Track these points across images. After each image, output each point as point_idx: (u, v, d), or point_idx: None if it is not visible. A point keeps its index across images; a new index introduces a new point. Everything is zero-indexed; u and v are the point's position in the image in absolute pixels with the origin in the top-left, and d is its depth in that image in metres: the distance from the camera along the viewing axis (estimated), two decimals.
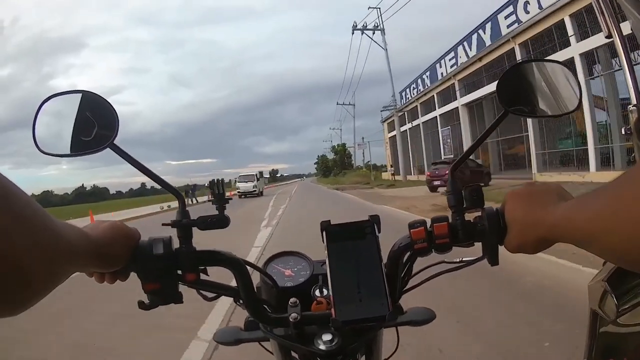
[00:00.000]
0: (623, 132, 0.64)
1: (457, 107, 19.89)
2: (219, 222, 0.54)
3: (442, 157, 20.61)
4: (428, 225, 0.52)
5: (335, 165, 65.35)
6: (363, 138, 49.88)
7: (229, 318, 2.86)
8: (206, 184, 0.55)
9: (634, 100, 0.61)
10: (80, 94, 0.52)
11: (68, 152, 0.51)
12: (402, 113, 27.14)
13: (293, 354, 0.60)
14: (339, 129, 69.84)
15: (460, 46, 19.21)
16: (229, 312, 2.94)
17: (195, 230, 0.54)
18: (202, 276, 0.54)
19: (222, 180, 0.55)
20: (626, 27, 0.61)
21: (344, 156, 65.05)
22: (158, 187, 0.54)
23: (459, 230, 0.52)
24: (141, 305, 0.53)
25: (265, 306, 0.59)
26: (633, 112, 0.61)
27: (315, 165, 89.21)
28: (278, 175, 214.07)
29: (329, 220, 0.55)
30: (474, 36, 17.88)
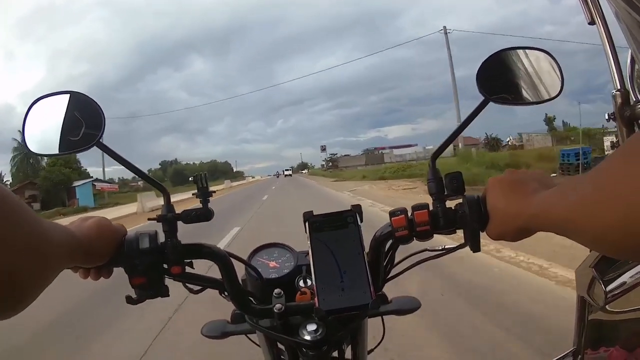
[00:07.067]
0: (606, 117, 0.64)
1: None
2: (203, 215, 0.55)
3: None
4: (409, 213, 0.52)
5: None
6: None
7: None
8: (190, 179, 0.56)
9: (617, 85, 0.61)
10: (69, 95, 0.54)
11: (56, 151, 0.53)
12: None
13: (279, 345, 0.60)
14: None
15: None
16: None
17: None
18: (188, 269, 0.55)
19: (206, 174, 0.56)
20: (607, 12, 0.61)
21: None
22: None
23: (439, 217, 0.52)
24: (129, 299, 0.53)
25: (251, 298, 0.60)
26: (616, 96, 0.61)
27: None
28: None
29: (312, 211, 0.55)
30: None
